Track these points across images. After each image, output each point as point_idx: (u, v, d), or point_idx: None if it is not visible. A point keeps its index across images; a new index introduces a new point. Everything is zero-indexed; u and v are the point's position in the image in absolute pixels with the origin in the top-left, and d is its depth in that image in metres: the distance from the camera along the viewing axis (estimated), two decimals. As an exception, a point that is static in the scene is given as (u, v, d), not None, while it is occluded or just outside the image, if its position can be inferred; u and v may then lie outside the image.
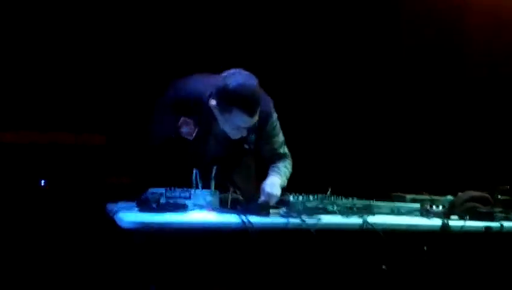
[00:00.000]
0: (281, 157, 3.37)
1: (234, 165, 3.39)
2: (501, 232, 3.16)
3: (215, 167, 3.12)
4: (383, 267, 2.92)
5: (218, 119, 3.13)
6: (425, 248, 3.00)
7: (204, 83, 3.18)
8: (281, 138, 3.38)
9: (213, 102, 3.06)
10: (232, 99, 2.99)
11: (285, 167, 3.35)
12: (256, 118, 3.06)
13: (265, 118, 3.24)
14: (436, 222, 3.13)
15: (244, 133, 3.14)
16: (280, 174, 3.27)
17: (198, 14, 4.77)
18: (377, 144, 5.08)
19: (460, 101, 4.92)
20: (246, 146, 3.29)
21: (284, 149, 3.39)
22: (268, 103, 3.28)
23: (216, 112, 3.09)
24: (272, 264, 2.73)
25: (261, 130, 3.27)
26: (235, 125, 3.08)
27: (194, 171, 3.05)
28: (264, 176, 3.28)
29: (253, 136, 3.26)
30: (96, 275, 3.34)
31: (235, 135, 3.15)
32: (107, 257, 2.85)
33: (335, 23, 5.08)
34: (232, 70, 3.08)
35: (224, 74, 3.07)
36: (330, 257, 2.82)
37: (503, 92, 4.73)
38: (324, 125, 5.05)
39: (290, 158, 3.41)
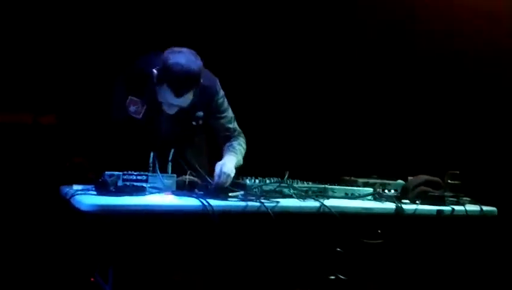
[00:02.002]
0: (233, 135, 3.41)
1: (186, 144, 3.39)
2: (452, 215, 3.25)
3: (172, 150, 3.13)
4: (338, 249, 2.96)
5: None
6: (379, 231, 3.05)
7: (156, 60, 3.16)
8: (230, 114, 3.43)
9: (154, 72, 3.07)
10: (165, 74, 3.01)
11: (239, 144, 3.39)
12: (184, 100, 3.08)
13: (210, 95, 3.30)
14: (389, 205, 3.19)
15: (174, 111, 3.15)
16: (235, 152, 3.30)
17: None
18: (326, 128, 5.13)
19: (408, 86, 4.98)
20: (194, 122, 3.31)
21: (235, 125, 3.44)
22: (213, 80, 3.33)
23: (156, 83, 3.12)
24: (231, 247, 2.74)
25: (209, 106, 3.32)
26: (165, 100, 3.10)
27: (152, 154, 3.03)
28: (218, 157, 3.28)
29: (200, 113, 3.29)
30: (53, 259, 3.28)
31: (168, 109, 3.16)
32: (64, 240, 2.80)
33: (289, 11, 5.09)
34: (180, 48, 3.08)
35: (171, 49, 3.08)
36: (287, 239, 2.85)
37: (453, 76, 4.82)
38: (277, 110, 5.06)
39: (242, 135, 3.45)
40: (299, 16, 5.11)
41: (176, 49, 3.07)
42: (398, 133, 4.93)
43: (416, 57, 4.96)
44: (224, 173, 3.01)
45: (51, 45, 4.46)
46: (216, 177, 3.02)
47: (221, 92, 3.38)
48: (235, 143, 3.37)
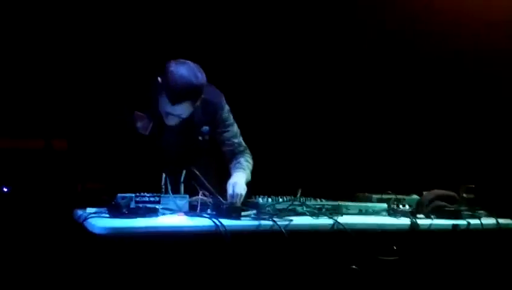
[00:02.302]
0: (239, 150, 3.47)
1: (194, 161, 3.40)
2: (468, 229, 3.22)
3: (184, 171, 3.13)
4: (354, 267, 2.93)
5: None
6: (394, 247, 3.02)
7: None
8: (235, 128, 3.49)
9: (159, 80, 3.13)
10: (164, 82, 3.08)
11: (246, 160, 3.45)
12: (181, 110, 3.13)
13: (214, 109, 3.39)
14: (404, 221, 3.17)
15: (173, 122, 3.21)
16: (243, 168, 3.36)
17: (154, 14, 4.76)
18: (339, 145, 5.11)
19: (421, 99, 4.95)
20: (200, 137, 3.35)
21: (240, 139, 3.50)
22: (218, 95, 3.42)
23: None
24: (245, 267, 2.72)
25: (213, 120, 3.39)
26: (163, 109, 3.16)
27: (164, 175, 3.03)
28: (227, 175, 3.30)
29: (206, 128, 3.36)
30: (66, 282, 3.27)
31: (166, 119, 3.22)
32: (77, 263, 2.80)
33: (293, 19, 5.10)
34: (185, 60, 3.14)
35: (177, 60, 3.15)
36: (301, 258, 2.83)
37: (464, 89, 4.78)
38: (289, 127, 5.06)
39: (248, 151, 3.51)
40: (300, 20, 5.12)
41: (181, 60, 3.14)
42: (411, 147, 4.90)
43: (424, 61, 4.92)
44: (237, 194, 3.03)
45: (63, 71, 4.50)
46: (229, 198, 3.04)
47: (226, 107, 3.45)
48: (242, 159, 3.43)
